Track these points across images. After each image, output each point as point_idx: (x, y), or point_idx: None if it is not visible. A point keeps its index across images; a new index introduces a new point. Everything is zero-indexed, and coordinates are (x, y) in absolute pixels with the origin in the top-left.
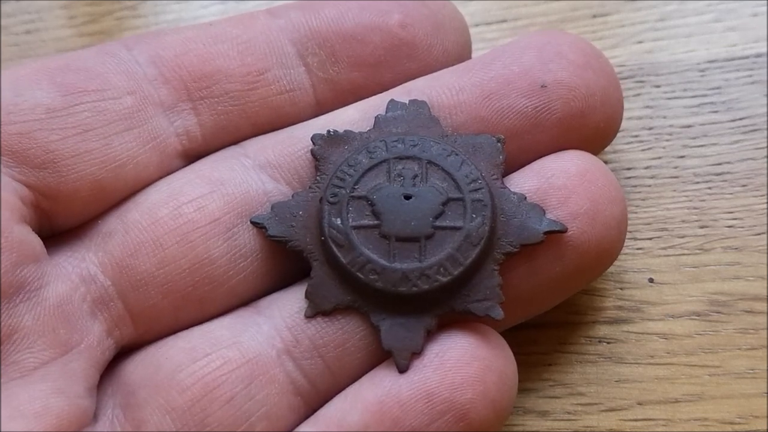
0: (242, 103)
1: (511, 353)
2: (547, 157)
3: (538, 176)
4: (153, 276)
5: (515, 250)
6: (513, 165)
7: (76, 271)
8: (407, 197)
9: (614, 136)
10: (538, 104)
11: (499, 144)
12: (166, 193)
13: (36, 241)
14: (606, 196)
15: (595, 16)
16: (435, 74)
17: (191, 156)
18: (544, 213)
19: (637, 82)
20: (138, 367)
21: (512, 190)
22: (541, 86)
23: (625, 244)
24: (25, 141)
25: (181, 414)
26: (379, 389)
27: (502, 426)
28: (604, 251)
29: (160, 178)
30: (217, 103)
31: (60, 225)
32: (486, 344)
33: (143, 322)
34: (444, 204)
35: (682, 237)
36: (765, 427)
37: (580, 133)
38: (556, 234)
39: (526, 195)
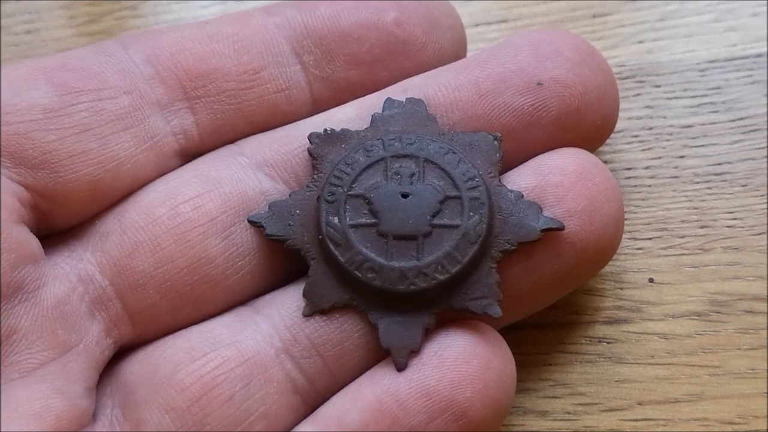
0: (238, 102)
1: (509, 351)
2: (543, 154)
3: (534, 174)
4: (151, 275)
5: (513, 247)
6: (510, 163)
7: (74, 271)
8: (404, 195)
9: (610, 133)
10: (534, 102)
11: (496, 142)
12: (163, 193)
13: (34, 242)
14: (603, 194)
15: (595, 16)
16: (431, 72)
17: (188, 155)
18: (541, 210)
19: (637, 82)
20: (137, 366)
21: (509, 187)
22: (537, 84)
23: (625, 244)
24: (23, 141)
25: (181, 413)
26: (378, 388)
27: (500, 424)
28: (602, 248)
29: (157, 177)
30: (213, 102)
31: (58, 225)
32: (484, 342)
33: (141, 322)
34: (441, 202)
35: (682, 237)
36: (765, 427)
37: (577, 131)
38: (554, 231)
39: (523, 193)
